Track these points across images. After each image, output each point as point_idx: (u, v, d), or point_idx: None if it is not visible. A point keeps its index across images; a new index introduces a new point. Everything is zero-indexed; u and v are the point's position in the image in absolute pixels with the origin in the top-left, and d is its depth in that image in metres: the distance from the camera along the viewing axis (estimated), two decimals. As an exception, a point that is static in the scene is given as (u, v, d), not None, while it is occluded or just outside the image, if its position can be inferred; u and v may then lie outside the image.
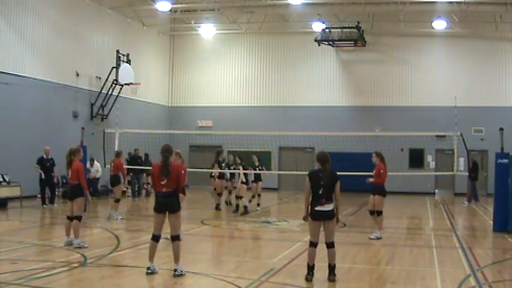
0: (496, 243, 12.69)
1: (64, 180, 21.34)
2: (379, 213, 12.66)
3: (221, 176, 18.56)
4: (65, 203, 13.69)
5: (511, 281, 8.80)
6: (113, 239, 11.90)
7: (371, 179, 12.74)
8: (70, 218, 10.88)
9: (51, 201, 18.37)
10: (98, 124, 23.39)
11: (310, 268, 8.30)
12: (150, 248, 8.53)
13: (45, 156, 18.16)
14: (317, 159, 8.48)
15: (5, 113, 19.22)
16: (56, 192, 19.58)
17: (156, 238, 8.50)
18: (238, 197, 17.83)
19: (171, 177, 8.38)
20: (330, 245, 8.30)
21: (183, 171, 9.27)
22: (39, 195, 18.55)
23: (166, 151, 8.54)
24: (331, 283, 8.19)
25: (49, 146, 18.29)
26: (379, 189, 12.60)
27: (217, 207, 18.36)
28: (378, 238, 12.48)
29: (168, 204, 8.41)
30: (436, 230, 14.70)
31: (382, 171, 12.50)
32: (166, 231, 8.73)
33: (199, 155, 29.85)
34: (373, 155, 12.87)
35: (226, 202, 19.52)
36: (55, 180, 18.98)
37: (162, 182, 8.38)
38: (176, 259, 8.41)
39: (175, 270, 8.36)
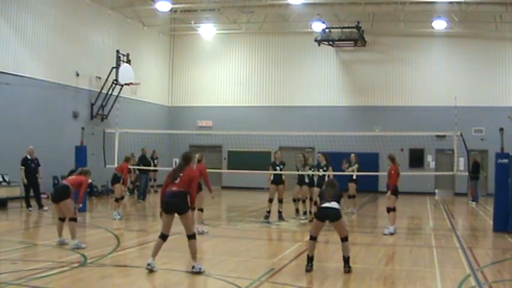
0: (496, 243, 12.68)
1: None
2: (388, 209, 13.50)
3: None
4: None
5: (511, 281, 8.79)
6: (113, 239, 11.90)
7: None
8: (62, 219, 10.88)
9: (40, 206, 17.13)
10: (98, 124, 23.36)
11: (310, 259, 8.72)
12: (155, 244, 8.66)
13: (29, 157, 17.18)
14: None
15: (5, 113, 19.22)
16: (46, 194, 18.81)
17: (163, 237, 8.63)
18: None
19: (183, 179, 8.60)
20: (344, 239, 8.82)
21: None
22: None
23: (183, 159, 8.85)
24: (331, 283, 8.21)
25: (32, 146, 17.44)
26: (389, 188, 13.62)
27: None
28: (391, 234, 13.19)
29: (175, 205, 8.50)
30: (436, 230, 14.69)
31: (393, 172, 13.51)
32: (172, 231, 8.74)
33: (199, 155, 29.86)
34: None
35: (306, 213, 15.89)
36: (40, 181, 17.50)
37: (175, 181, 8.61)
38: (193, 256, 8.58)
39: (193, 267, 8.54)
